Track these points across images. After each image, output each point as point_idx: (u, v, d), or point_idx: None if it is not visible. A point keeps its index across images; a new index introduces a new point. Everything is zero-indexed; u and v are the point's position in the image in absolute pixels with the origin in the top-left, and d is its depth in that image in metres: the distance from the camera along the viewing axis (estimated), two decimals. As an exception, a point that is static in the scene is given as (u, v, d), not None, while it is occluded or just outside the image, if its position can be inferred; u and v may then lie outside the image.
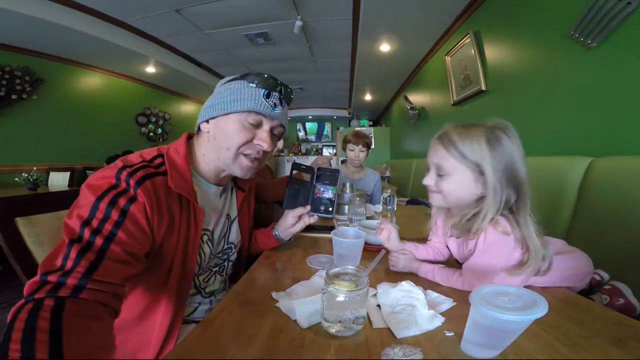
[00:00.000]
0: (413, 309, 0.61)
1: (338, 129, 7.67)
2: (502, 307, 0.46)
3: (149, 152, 0.77)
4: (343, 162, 2.37)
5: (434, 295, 0.69)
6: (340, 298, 0.54)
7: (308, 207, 0.99)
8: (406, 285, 0.67)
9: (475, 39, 2.55)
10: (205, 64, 4.86)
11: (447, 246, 0.90)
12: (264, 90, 0.80)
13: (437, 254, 0.92)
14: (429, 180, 0.77)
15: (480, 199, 0.72)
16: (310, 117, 8.56)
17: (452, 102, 3.09)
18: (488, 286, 0.52)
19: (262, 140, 0.81)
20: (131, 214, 0.63)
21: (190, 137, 0.88)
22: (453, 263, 0.89)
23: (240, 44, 3.97)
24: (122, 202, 0.62)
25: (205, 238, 0.86)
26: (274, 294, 0.71)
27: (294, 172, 1.02)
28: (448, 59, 3.05)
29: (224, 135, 0.80)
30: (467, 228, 0.74)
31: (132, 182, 0.65)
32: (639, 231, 1.04)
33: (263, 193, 1.46)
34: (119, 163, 0.69)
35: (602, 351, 0.51)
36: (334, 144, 8.58)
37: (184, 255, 0.76)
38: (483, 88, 2.50)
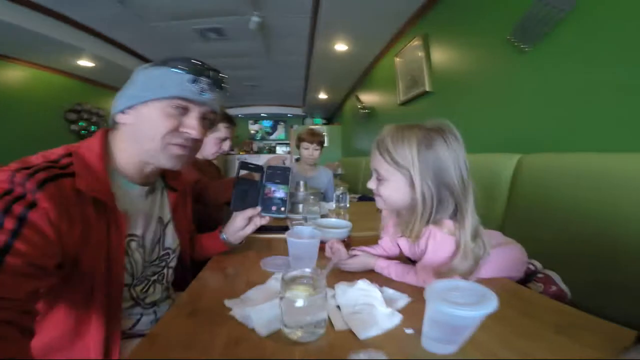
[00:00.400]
0: (372, 308, 0.61)
1: (292, 127, 7.62)
2: (456, 302, 0.47)
3: (55, 152, 0.68)
4: (297, 160, 2.35)
5: (390, 292, 0.71)
6: (299, 304, 0.51)
7: (258, 208, 0.95)
8: (363, 284, 0.67)
9: (423, 42, 2.64)
10: (150, 58, 4.51)
11: (397, 244, 0.92)
12: (189, 75, 0.74)
13: (387, 252, 0.94)
14: (372, 184, 0.80)
15: (416, 203, 0.74)
16: (263, 114, 8.39)
17: (399, 102, 3.19)
18: (441, 282, 0.53)
19: (190, 128, 0.76)
20: (31, 221, 0.54)
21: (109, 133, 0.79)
22: (404, 259, 0.91)
23: (190, 39, 3.75)
24: (18, 209, 0.54)
25: (133, 245, 0.78)
26: (227, 302, 0.66)
27: (242, 172, 0.97)
28: (397, 60, 3.14)
29: (146, 124, 0.73)
30: (409, 230, 0.76)
31: (30, 185, 0.56)
32: (563, 222, 1.15)
33: (209, 194, 1.39)
34: (13, 165, 0.59)
35: (548, 340, 0.55)
36: (288, 142, 8.51)
37: (107, 264, 0.68)
38: (427, 89, 2.60)
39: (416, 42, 2.73)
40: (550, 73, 1.54)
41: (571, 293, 0.92)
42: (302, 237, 0.86)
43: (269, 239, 1.18)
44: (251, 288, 0.73)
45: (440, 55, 2.52)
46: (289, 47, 4.04)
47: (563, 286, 0.93)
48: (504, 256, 0.85)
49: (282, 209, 0.94)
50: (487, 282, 0.76)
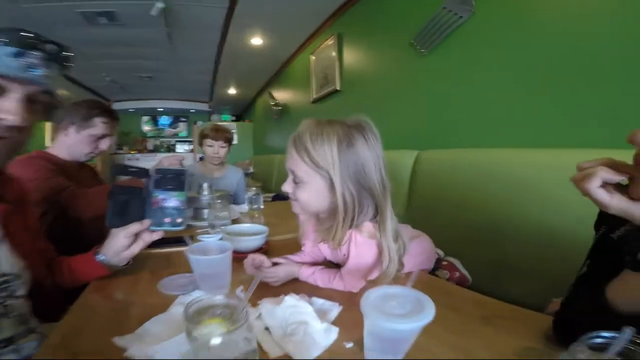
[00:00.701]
0: (306, 325, 0.53)
1: (195, 123, 7.01)
2: (393, 314, 0.44)
3: None
4: (201, 159, 2.10)
5: (319, 302, 0.64)
6: (216, 341, 0.38)
7: (147, 222, 0.77)
8: (291, 300, 0.58)
9: (337, 41, 2.71)
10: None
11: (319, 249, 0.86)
12: (10, 48, 0.59)
13: (312, 258, 0.88)
14: (287, 187, 0.72)
15: (334, 207, 0.70)
16: (160, 109, 7.52)
17: (311, 100, 3.23)
18: (374, 291, 0.48)
19: (6, 112, 0.59)
20: None
21: None
22: (330, 263, 0.86)
23: (74, 23, 3.08)
24: None
25: None
26: (118, 340, 0.51)
27: (122, 178, 0.78)
28: (313, 58, 3.17)
29: None
30: (330, 237, 0.72)
31: None
32: (457, 212, 1.26)
33: (79, 205, 1.13)
34: None
35: (478, 332, 0.55)
36: (191, 139, 7.81)
37: None
38: (338, 88, 2.69)
39: (331, 42, 2.78)
40: (444, 75, 1.69)
41: (470, 276, 0.98)
42: (208, 251, 0.72)
43: (167, 253, 0.99)
44: (150, 319, 0.57)
45: (351, 55, 2.60)
46: (198, 38, 3.67)
47: (464, 271, 1.00)
48: (417, 250, 0.87)
49: (179, 220, 0.77)
50: (405, 276, 0.77)
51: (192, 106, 7.36)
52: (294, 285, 0.74)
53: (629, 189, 0.38)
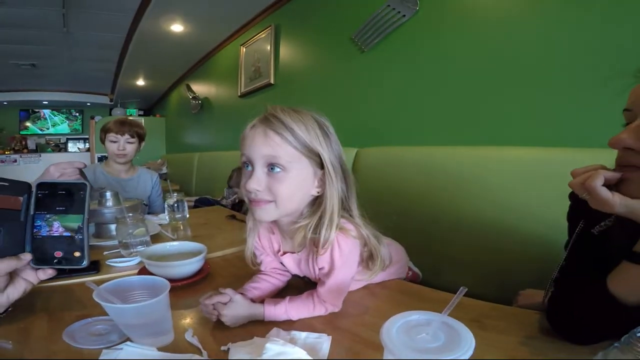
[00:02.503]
0: None
1: (93, 118, 5.98)
2: (427, 349, 0.35)
3: None
4: (102, 159, 1.70)
5: (302, 336, 0.51)
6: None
7: (26, 256, 0.53)
8: (276, 348, 0.42)
9: (274, 33, 2.56)
10: None
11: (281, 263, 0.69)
12: None
13: (279, 274, 0.70)
14: (256, 183, 0.54)
15: (315, 201, 0.59)
16: (45, 102, 6.24)
17: (239, 94, 3.02)
18: (394, 321, 0.38)
19: None
20: None
21: None
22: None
23: None
24: None
25: None
26: None
27: None
28: (243, 49, 2.98)
29: None
30: (312, 242, 0.59)
31: None
32: (397, 208, 1.25)
33: None
34: None
35: (476, 336, 0.48)
36: (87, 136, 6.64)
37: None
38: (272, 81, 2.55)
39: (265, 33, 2.65)
40: (385, 73, 1.68)
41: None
42: (129, 290, 0.50)
43: (66, 286, 0.72)
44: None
45: (288, 48, 2.48)
46: (103, 21, 3.11)
47: (415, 269, 0.97)
48: (396, 257, 0.78)
49: (77, 254, 0.55)
50: (381, 285, 0.73)
51: (88, 99, 6.29)
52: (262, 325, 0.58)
53: (622, 190, 0.41)
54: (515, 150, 1.06)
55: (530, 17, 1.16)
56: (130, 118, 1.87)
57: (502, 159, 1.05)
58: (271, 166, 0.54)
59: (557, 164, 0.91)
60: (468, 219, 1.06)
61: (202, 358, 0.45)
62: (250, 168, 0.56)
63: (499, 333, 0.53)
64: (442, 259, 1.11)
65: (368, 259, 0.63)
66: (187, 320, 0.59)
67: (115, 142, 1.54)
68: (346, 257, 0.58)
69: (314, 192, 0.58)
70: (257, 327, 0.54)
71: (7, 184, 0.54)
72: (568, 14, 1.06)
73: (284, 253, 0.66)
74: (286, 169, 0.54)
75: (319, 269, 0.61)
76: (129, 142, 1.56)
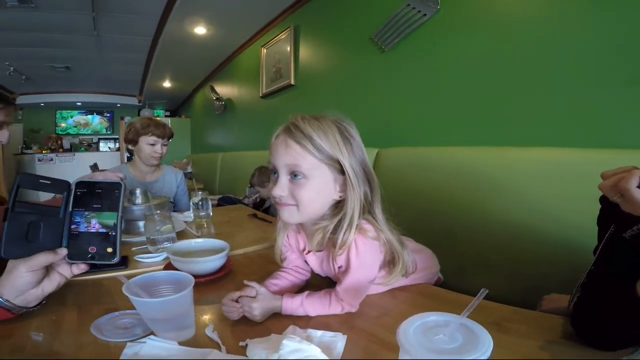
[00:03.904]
0: None
1: (122, 118, 6.24)
2: (446, 350, 0.35)
3: None
4: (129, 160, 1.76)
5: (318, 334, 0.52)
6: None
7: (62, 250, 0.56)
8: (292, 344, 0.43)
9: (293, 34, 2.58)
10: None
11: (305, 261, 0.72)
12: None
13: (298, 273, 0.72)
14: (281, 190, 0.59)
15: (338, 204, 0.61)
16: (79, 103, 6.57)
17: (260, 95, 3.05)
18: (411, 322, 0.38)
19: None
20: None
21: None
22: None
23: None
24: None
25: None
26: None
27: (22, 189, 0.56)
28: (264, 51, 3.01)
29: None
30: (331, 242, 0.61)
31: None
32: (418, 209, 1.23)
33: None
34: None
35: (497, 340, 0.47)
36: (116, 137, 6.95)
37: None
38: (292, 82, 2.57)
39: (285, 34, 2.66)
40: (405, 73, 1.66)
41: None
42: (155, 285, 0.53)
43: (97, 280, 0.76)
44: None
45: (308, 49, 2.49)
46: (131, 24, 3.22)
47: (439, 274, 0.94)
48: (420, 265, 0.76)
49: (110, 250, 0.57)
50: (401, 287, 0.72)
51: (119, 100, 6.58)
52: (275, 313, 0.59)
53: None
54: (541, 151, 1.02)
55: (559, 13, 1.11)
56: (157, 119, 1.94)
57: (527, 160, 1.02)
58: (293, 174, 0.58)
59: (587, 165, 0.88)
60: (492, 221, 1.03)
61: (221, 353, 0.47)
62: (276, 175, 0.60)
63: (519, 337, 0.51)
64: (465, 261, 1.09)
65: (390, 263, 0.64)
66: (208, 316, 0.61)
67: (153, 145, 1.57)
68: (363, 258, 0.59)
69: (336, 196, 0.61)
70: (274, 324, 0.56)
71: (49, 182, 0.58)
72: (595, 11, 1.02)
73: (309, 252, 0.69)
74: (307, 177, 0.58)
75: (338, 267, 0.62)
76: (164, 145, 1.61)
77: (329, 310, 0.60)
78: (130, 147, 1.58)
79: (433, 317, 0.39)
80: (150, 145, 1.57)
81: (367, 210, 0.61)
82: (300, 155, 0.57)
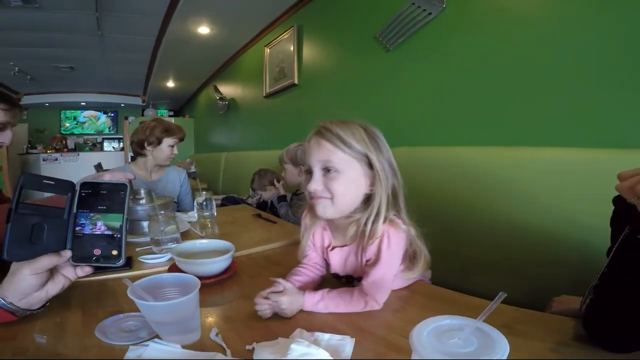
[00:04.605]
0: None
1: (127, 118, 6.27)
2: (457, 353, 0.34)
3: None
4: (134, 159, 1.76)
5: (325, 337, 0.51)
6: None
7: (66, 253, 0.55)
8: (300, 348, 0.43)
9: (297, 33, 2.58)
10: None
11: (325, 259, 0.76)
12: None
13: (316, 269, 0.75)
14: (316, 184, 0.64)
15: (369, 198, 0.65)
16: (83, 103, 6.60)
17: (264, 95, 3.05)
18: (424, 325, 0.37)
19: None
20: None
21: None
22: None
23: None
24: None
25: None
26: None
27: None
28: (267, 50, 3.02)
29: None
30: (362, 235, 0.65)
31: None
32: (425, 207, 1.19)
33: None
34: None
35: (509, 342, 0.47)
36: (120, 136, 6.97)
37: None
38: (296, 82, 2.56)
39: (289, 34, 2.66)
40: (409, 72, 1.65)
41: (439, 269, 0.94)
42: (160, 287, 0.52)
43: (101, 281, 0.76)
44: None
45: (311, 48, 2.48)
46: (134, 24, 3.23)
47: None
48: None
49: (115, 252, 0.57)
50: (408, 289, 0.71)
51: (122, 100, 6.60)
52: (281, 316, 0.58)
53: None
54: (550, 151, 1.01)
55: (563, 12, 1.10)
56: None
57: (535, 160, 1.01)
58: (326, 169, 0.63)
59: (596, 165, 0.86)
60: (498, 222, 1.03)
61: (226, 357, 0.46)
62: (310, 174, 0.65)
63: (530, 339, 0.51)
64: (469, 261, 1.08)
65: (412, 258, 0.67)
66: (213, 319, 0.60)
67: (173, 146, 1.61)
68: (393, 250, 0.62)
69: (367, 190, 0.65)
70: (281, 327, 0.55)
71: (52, 182, 0.57)
72: (601, 10, 1.00)
73: (334, 248, 0.72)
74: (339, 171, 0.62)
75: (366, 261, 0.65)
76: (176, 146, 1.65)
77: (350, 306, 0.61)
78: (148, 147, 1.58)
79: (447, 321, 0.38)
80: (170, 147, 1.61)
81: (394, 204, 0.65)
82: (331, 151, 0.62)
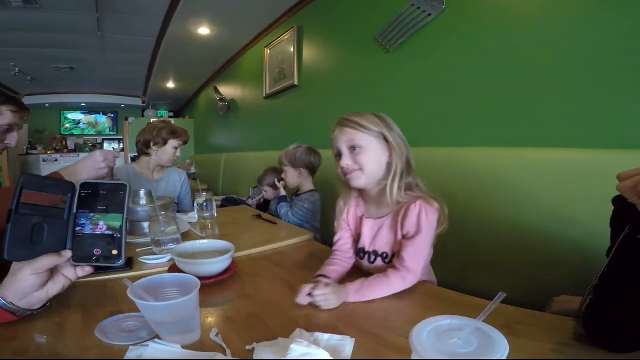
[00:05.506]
0: None
1: (127, 119, 6.27)
2: (457, 353, 0.34)
3: None
4: (134, 159, 1.78)
5: (325, 338, 0.51)
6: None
7: (66, 253, 0.55)
8: (300, 349, 0.43)
9: (297, 34, 2.58)
10: None
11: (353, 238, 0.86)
12: None
13: (347, 259, 0.84)
14: (346, 160, 0.78)
15: (389, 166, 0.78)
16: (83, 104, 6.61)
17: (264, 95, 3.05)
18: (424, 325, 0.37)
19: None
20: None
21: None
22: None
23: None
24: None
25: None
26: None
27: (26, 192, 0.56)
28: (267, 51, 3.02)
29: None
30: (396, 208, 0.77)
31: None
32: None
33: None
34: None
35: (510, 342, 0.47)
36: (120, 137, 6.97)
37: None
38: (296, 83, 2.56)
39: (288, 35, 2.66)
40: (409, 73, 1.65)
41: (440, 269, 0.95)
42: (160, 287, 0.52)
43: (101, 282, 0.76)
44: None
45: (311, 49, 2.48)
46: (135, 25, 3.24)
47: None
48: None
49: (115, 252, 0.57)
50: (415, 290, 0.71)
51: (123, 100, 6.60)
52: (281, 316, 0.59)
53: None
54: (550, 152, 1.01)
55: (564, 13, 1.09)
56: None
57: (535, 160, 1.01)
58: (352, 148, 0.77)
59: (596, 165, 0.87)
60: (498, 222, 1.03)
61: (226, 357, 0.46)
62: (339, 156, 0.80)
63: (530, 339, 0.51)
64: (468, 262, 1.08)
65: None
66: (213, 319, 0.60)
67: (177, 148, 1.64)
68: (430, 222, 0.72)
69: (387, 159, 0.78)
70: (280, 327, 0.55)
71: (53, 183, 0.57)
72: (602, 10, 1.00)
73: (366, 218, 0.83)
74: (363, 147, 0.77)
75: (403, 235, 0.74)
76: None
77: (392, 286, 0.68)
78: (154, 147, 1.61)
79: (447, 321, 0.38)
80: (174, 149, 1.64)
81: (408, 170, 0.78)
82: (353, 134, 0.77)
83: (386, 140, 0.78)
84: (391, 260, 0.77)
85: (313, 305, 0.62)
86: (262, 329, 0.55)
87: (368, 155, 0.77)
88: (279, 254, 1.00)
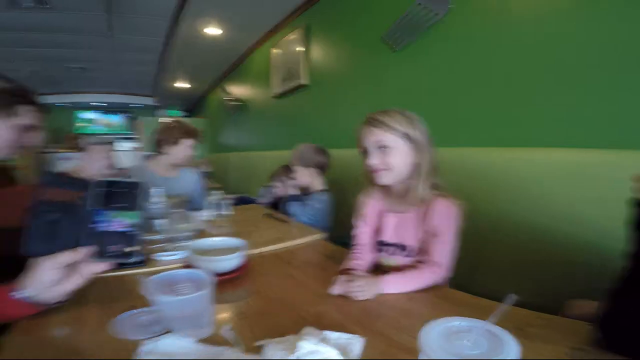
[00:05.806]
0: None
1: (139, 118, 6.36)
2: (465, 354, 0.34)
3: None
4: (149, 157, 1.81)
5: (334, 336, 0.51)
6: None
7: (84, 250, 0.57)
8: (309, 346, 0.43)
9: (305, 34, 2.57)
10: None
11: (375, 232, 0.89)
12: None
13: (368, 252, 0.88)
14: (375, 159, 0.81)
15: (415, 165, 0.81)
16: (94, 103, 6.73)
17: (273, 95, 3.06)
18: (434, 326, 0.38)
19: None
20: None
21: None
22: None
23: None
24: None
25: None
26: None
27: (47, 189, 0.58)
28: (274, 51, 3.02)
29: None
30: (422, 203, 0.80)
31: None
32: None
33: None
34: None
35: (522, 345, 0.47)
36: (134, 136, 7.06)
37: None
38: (304, 82, 2.56)
39: (296, 34, 2.65)
40: (415, 72, 1.63)
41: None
42: (175, 283, 0.54)
43: (118, 277, 0.78)
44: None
45: (319, 49, 2.48)
46: (144, 25, 3.28)
47: None
48: None
49: (130, 249, 0.58)
50: (425, 290, 0.72)
51: (134, 100, 6.71)
52: (291, 313, 0.59)
53: None
54: (560, 152, 0.99)
55: (575, 11, 1.07)
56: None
57: (545, 161, 0.99)
58: (380, 147, 0.80)
59: (607, 167, 0.85)
60: (508, 223, 1.02)
61: (235, 352, 0.47)
62: (366, 154, 0.82)
63: (544, 342, 0.50)
64: (477, 264, 1.07)
65: None
66: (226, 315, 0.61)
67: (190, 147, 1.68)
68: (456, 220, 0.77)
69: (413, 158, 0.80)
70: (290, 325, 0.56)
71: (69, 180, 0.59)
72: (611, 8, 0.98)
73: (388, 213, 0.86)
74: (390, 147, 0.79)
75: (429, 230, 0.78)
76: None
77: (424, 280, 0.72)
78: (168, 145, 1.65)
79: (456, 322, 0.38)
80: (187, 148, 1.67)
81: (434, 171, 0.81)
82: (381, 135, 0.80)
83: (412, 139, 0.80)
84: (416, 253, 0.81)
85: (323, 304, 0.63)
86: (272, 325, 0.56)
87: (395, 155, 0.80)
88: (289, 252, 1.01)
